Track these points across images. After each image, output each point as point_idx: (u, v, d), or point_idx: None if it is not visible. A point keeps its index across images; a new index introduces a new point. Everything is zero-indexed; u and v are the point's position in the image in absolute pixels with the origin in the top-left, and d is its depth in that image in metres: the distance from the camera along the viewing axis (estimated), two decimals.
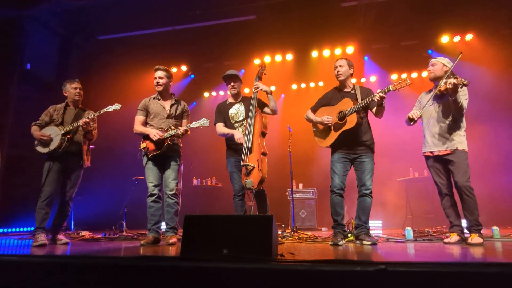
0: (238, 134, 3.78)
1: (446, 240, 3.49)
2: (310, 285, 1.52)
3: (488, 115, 6.59)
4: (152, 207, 3.82)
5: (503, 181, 6.39)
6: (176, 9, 6.45)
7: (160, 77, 3.99)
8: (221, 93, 8.96)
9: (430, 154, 3.63)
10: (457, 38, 7.01)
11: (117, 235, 4.87)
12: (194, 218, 2.23)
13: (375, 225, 6.91)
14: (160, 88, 3.98)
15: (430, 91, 3.75)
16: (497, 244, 3.33)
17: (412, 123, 3.56)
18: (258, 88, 3.89)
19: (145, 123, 4.01)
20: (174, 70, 8.46)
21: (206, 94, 8.97)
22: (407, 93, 7.68)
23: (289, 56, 7.95)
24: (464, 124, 3.55)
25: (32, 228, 5.63)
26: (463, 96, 3.41)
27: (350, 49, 7.53)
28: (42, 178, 3.82)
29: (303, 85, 8.64)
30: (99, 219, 6.40)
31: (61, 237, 3.91)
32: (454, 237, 3.44)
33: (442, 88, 3.35)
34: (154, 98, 4.06)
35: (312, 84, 8.52)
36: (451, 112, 3.47)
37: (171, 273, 1.68)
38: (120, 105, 4.08)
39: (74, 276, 1.81)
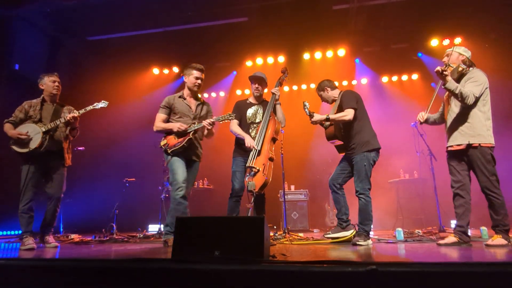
0: (249, 140, 3.78)
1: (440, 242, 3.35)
2: (302, 286, 1.52)
3: None
4: (181, 204, 3.54)
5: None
6: (167, 10, 6.43)
7: (201, 78, 3.90)
8: (213, 94, 8.94)
9: (450, 149, 3.36)
10: (446, 42, 7.13)
11: (108, 238, 4.81)
12: (186, 220, 2.21)
13: None
14: (197, 89, 3.92)
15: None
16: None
17: (422, 122, 3.52)
18: (276, 94, 3.97)
19: (167, 121, 3.84)
20: (165, 71, 8.43)
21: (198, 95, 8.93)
22: (398, 96, 7.80)
23: (281, 58, 7.97)
24: (483, 114, 3.20)
25: (18, 232, 5.52)
26: (472, 83, 3.19)
27: (341, 52, 7.59)
28: (21, 181, 3.58)
29: (295, 87, 8.67)
30: (89, 221, 6.32)
31: (50, 239, 3.75)
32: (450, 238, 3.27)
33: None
34: (179, 97, 3.91)
35: (304, 86, 8.56)
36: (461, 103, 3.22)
37: (163, 275, 1.67)
38: (107, 103, 3.90)
39: (62, 280, 1.78)
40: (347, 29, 6.99)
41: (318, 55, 7.79)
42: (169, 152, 3.66)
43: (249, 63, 8.11)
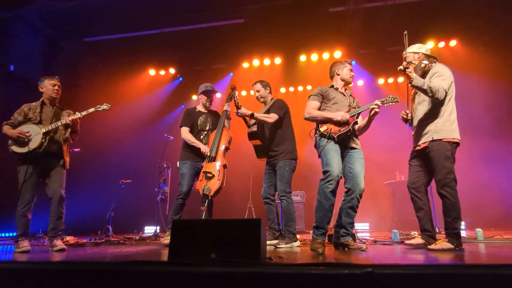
0: (204, 147, 4.01)
1: (407, 242, 3.37)
2: None
3: (469, 119, 6.73)
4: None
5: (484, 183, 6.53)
6: (163, 11, 6.43)
7: None
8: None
9: (417, 148, 3.26)
10: (441, 44, 7.19)
11: (103, 240, 4.78)
12: (182, 223, 2.22)
13: (363, 228, 6.97)
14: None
15: None
16: (480, 246, 3.39)
17: (408, 122, 3.44)
18: (227, 111, 4.18)
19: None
20: (162, 72, 8.42)
21: (194, 97, 8.93)
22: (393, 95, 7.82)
23: (278, 60, 7.99)
24: (447, 109, 3.10)
25: (13, 234, 5.48)
26: (438, 77, 3.09)
27: (337, 54, 7.62)
28: (19, 182, 3.53)
29: (291, 89, 8.70)
30: (84, 223, 6.29)
31: (58, 242, 3.59)
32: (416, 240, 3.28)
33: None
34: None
35: (300, 88, 8.59)
36: (430, 101, 3.14)
37: (159, 278, 1.66)
38: (109, 105, 3.92)
39: (56, 283, 1.77)
40: (344, 31, 7.03)
41: (314, 57, 7.82)
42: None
43: (245, 64, 8.12)
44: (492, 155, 6.66)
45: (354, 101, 3.44)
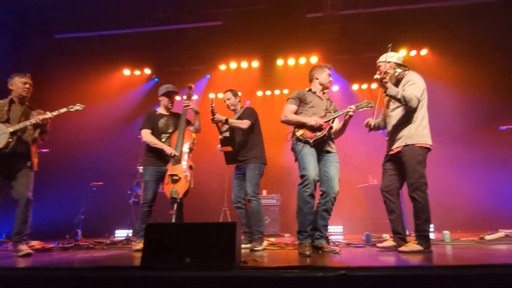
0: (168, 148, 3.90)
1: (379, 245, 3.49)
2: None
3: (438, 125, 6.99)
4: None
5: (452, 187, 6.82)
6: (139, 11, 6.31)
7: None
8: (185, 97, 8.84)
9: (391, 153, 3.38)
10: (413, 53, 7.49)
11: (72, 245, 4.60)
12: (155, 226, 2.17)
13: (337, 231, 7.09)
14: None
15: None
16: (447, 248, 3.52)
17: (371, 129, 3.51)
18: (189, 106, 4.11)
19: None
20: (137, 73, 8.25)
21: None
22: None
23: (255, 63, 8.02)
24: (420, 115, 3.22)
25: None
26: (411, 86, 3.20)
27: (314, 59, 7.74)
28: None
29: (268, 92, 8.75)
30: (51, 228, 6.00)
31: (23, 247, 3.41)
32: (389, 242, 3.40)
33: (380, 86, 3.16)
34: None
35: (277, 92, 8.65)
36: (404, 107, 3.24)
37: (131, 284, 1.61)
38: (83, 106, 3.81)
39: None
40: (320, 37, 7.14)
41: (291, 61, 7.91)
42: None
43: (222, 67, 8.10)
44: (460, 160, 6.95)
45: (331, 105, 3.51)
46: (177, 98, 4.79)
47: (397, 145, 3.26)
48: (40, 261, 2.95)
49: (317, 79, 3.54)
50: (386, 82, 3.05)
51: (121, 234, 6.74)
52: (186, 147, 3.93)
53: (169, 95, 4.31)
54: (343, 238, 5.22)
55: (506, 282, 1.44)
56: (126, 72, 8.18)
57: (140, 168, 5.08)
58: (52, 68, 7.38)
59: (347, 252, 3.26)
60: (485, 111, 6.98)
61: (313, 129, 3.24)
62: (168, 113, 4.29)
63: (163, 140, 4.08)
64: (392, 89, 3.08)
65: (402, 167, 3.23)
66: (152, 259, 2.00)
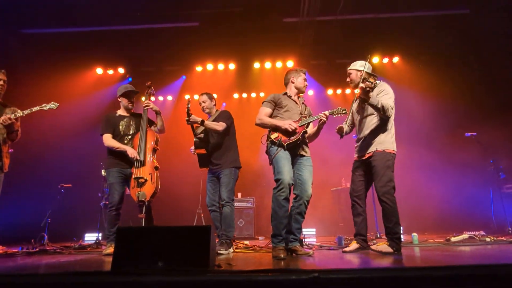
0: (131, 151, 3.81)
1: (345, 249, 3.48)
2: None
3: (407, 130, 7.24)
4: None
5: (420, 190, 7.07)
6: (116, 8, 6.15)
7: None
8: (161, 98, 8.73)
9: (362, 159, 3.50)
10: (385, 60, 7.75)
11: (37, 249, 4.39)
12: (127, 230, 2.12)
13: (310, 233, 7.17)
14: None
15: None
16: (416, 249, 3.64)
17: (342, 135, 3.56)
18: (149, 106, 4.05)
19: None
20: (110, 72, 8.04)
21: (143, 98, 8.59)
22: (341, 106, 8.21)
23: (232, 66, 8.02)
24: (389, 123, 3.40)
25: None
26: (385, 96, 3.35)
27: (290, 63, 7.84)
28: None
29: (244, 95, 8.77)
30: (15, 231, 5.71)
31: None
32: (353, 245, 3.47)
33: (358, 95, 3.30)
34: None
35: (253, 95, 8.70)
36: (378, 115, 3.39)
37: None
38: (57, 104, 3.67)
39: None
40: (296, 42, 7.24)
41: (268, 64, 7.98)
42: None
43: (199, 68, 8.05)
44: (427, 165, 7.23)
45: (306, 109, 3.56)
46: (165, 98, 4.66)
47: (369, 151, 3.40)
48: (3, 267, 2.80)
49: (293, 82, 3.59)
50: (369, 92, 3.17)
51: (90, 237, 6.51)
52: (149, 148, 3.85)
53: (129, 95, 4.17)
54: (316, 241, 5.29)
55: (470, 283, 1.51)
56: (99, 70, 7.96)
57: (103, 171, 4.92)
58: (19, 64, 7.04)
59: (320, 254, 3.31)
60: (451, 118, 7.32)
61: (288, 133, 3.27)
62: (128, 114, 4.18)
63: (125, 142, 3.97)
64: (373, 99, 3.21)
65: (371, 172, 3.37)
66: (124, 264, 1.95)
